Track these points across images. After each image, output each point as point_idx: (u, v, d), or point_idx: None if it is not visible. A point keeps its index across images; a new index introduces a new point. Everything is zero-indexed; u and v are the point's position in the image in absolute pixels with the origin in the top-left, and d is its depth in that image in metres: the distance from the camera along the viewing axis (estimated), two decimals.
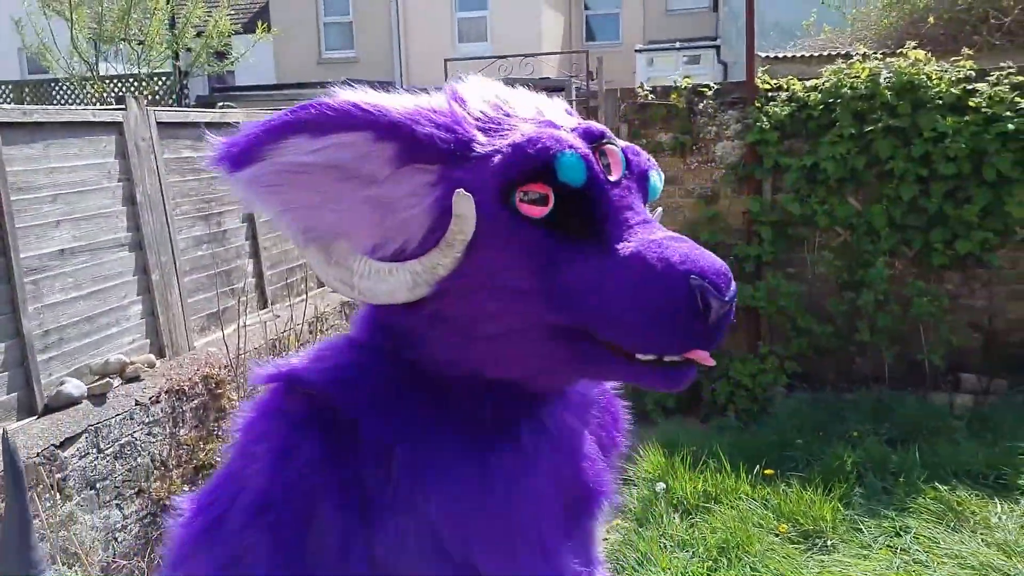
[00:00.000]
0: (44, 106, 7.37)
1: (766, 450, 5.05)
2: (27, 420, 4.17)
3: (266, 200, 1.15)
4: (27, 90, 13.89)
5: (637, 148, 1.28)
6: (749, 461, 4.82)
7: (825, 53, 9.22)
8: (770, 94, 6.06)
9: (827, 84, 5.91)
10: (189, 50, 11.78)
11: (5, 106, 4.87)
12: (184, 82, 12.41)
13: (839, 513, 4.31)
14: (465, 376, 1.22)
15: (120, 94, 11.12)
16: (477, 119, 1.20)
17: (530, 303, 1.13)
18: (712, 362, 1.15)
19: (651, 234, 1.15)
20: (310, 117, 1.12)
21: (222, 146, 1.13)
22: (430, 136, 1.15)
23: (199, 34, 11.53)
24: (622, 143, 1.26)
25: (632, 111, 6.24)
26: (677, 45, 15.31)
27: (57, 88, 12.87)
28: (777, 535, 4.18)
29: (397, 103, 1.17)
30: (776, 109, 5.94)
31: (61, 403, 4.30)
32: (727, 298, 1.09)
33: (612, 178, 1.18)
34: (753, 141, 5.99)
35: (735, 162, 6.10)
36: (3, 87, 14.13)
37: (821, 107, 5.87)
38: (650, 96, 6.23)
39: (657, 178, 1.28)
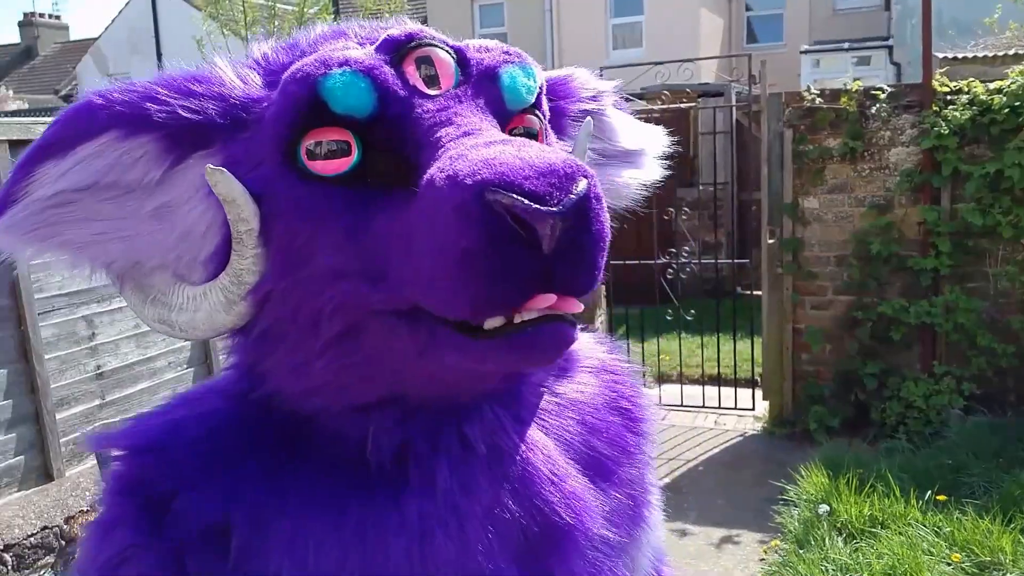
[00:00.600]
0: None
1: (939, 475, 4.77)
2: None
3: (41, 246, 0.91)
4: None
5: (489, 44, 0.97)
6: (920, 486, 4.56)
7: (1011, 52, 8.66)
8: (949, 97, 5.72)
9: (1013, 86, 5.51)
10: None
11: None
12: None
13: (1020, 545, 4.01)
14: (329, 408, 0.93)
15: None
16: (270, 73, 0.93)
17: (354, 285, 0.84)
18: (580, 307, 0.81)
19: (459, 147, 0.82)
20: (48, 137, 0.89)
21: None
22: (172, 113, 0.88)
23: None
24: (468, 41, 0.96)
25: (797, 116, 6.01)
26: (846, 46, 14.73)
27: None
28: (949, 564, 3.94)
29: (143, 84, 0.91)
30: (956, 113, 5.59)
31: None
32: (557, 209, 0.74)
33: (434, 92, 0.88)
34: (930, 147, 5.66)
35: (910, 169, 5.79)
36: None
37: (1006, 111, 5.48)
38: (817, 100, 5.98)
39: (519, 72, 0.94)
